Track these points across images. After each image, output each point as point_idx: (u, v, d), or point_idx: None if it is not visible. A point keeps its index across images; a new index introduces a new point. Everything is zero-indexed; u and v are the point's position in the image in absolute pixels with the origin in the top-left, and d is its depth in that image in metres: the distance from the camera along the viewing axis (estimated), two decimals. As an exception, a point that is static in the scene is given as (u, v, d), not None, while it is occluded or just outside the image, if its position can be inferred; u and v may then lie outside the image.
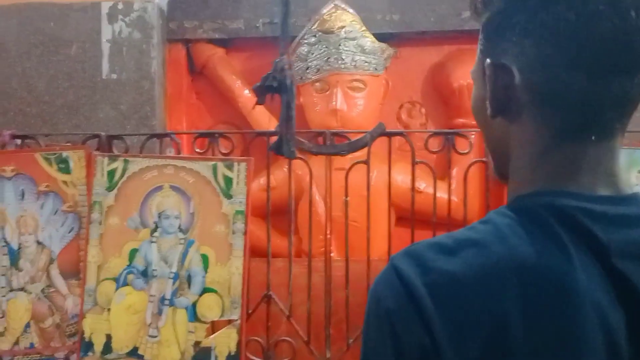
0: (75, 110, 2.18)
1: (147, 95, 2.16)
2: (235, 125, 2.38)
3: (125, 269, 1.48)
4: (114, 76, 2.17)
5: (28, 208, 1.52)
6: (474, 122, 2.04)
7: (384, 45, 2.16)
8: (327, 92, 2.12)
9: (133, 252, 1.48)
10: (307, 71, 2.14)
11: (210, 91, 2.39)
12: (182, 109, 2.34)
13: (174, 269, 1.46)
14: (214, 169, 1.45)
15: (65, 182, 1.51)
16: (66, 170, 1.51)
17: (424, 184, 2.16)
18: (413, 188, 1.68)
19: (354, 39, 2.08)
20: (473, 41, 2.05)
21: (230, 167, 1.45)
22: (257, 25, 2.26)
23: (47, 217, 1.52)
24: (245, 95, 2.29)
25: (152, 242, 1.48)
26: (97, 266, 1.49)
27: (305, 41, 2.12)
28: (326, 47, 2.08)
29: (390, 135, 1.53)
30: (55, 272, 1.52)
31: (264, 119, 2.28)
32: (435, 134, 1.59)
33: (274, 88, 1.08)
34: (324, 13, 2.08)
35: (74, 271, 1.51)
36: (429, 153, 1.59)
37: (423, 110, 2.33)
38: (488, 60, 0.59)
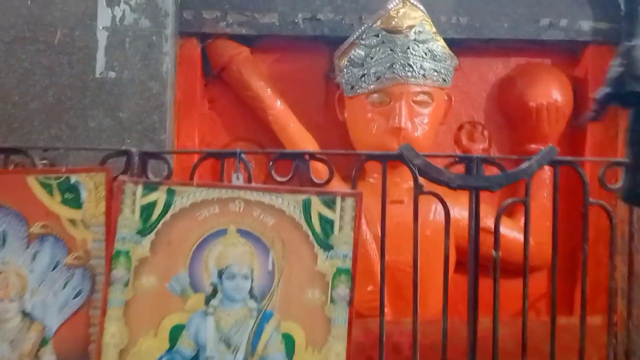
0: (55, 116, 1.62)
1: (156, 100, 1.64)
2: (258, 144, 1.89)
3: (165, 356, 0.96)
4: (112, 74, 1.64)
5: (11, 260, 0.97)
6: None
7: (451, 52, 1.76)
8: (388, 106, 1.68)
9: (177, 330, 0.97)
10: (363, 79, 1.69)
11: (227, 99, 1.89)
12: (194, 120, 1.83)
13: (241, 356, 0.95)
14: (306, 207, 0.98)
15: (72, 221, 0.98)
16: (75, 202, 0.98)
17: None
18: (553, 236, 1.24)
19: (424, 42, 1.67)
20: (546, 54, 1.68)
21: (330, 204, 0.98)
22: (296, 20, 1.80)
23: (42, 274, 0.97)
24: (278, 107, 1.81)
25: (208, 314, 0.98)
26: (118, 350, 0.96)
27: (363, 42, 1.68)
28: (391, 50, 1.65)
29: (558, 164, 1.10)
30: (49, 358, 0.97)
31: (302, 139, 1.80)
32: (616, 164, 1.18)
33: (635, 95, 0.62)
34: (390, 8, 1.65)
35: (80, 358, 0.97)
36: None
37: (486, 132, 1.94)
38: None
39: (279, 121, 1.80)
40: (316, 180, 1.03)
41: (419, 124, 1.70)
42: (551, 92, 1.82)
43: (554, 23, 1.83)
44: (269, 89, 1.81)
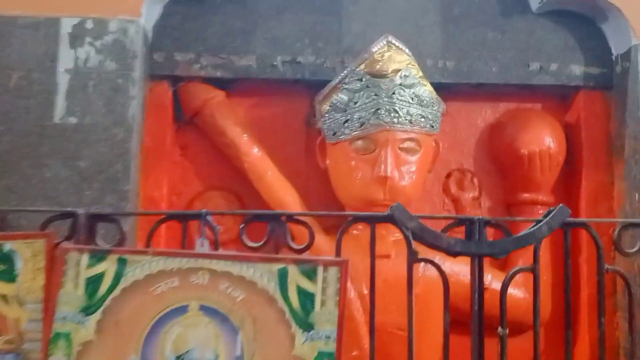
0: (9, 165, 1.46)
1: (121, 148, 1.50)
2: (234, 194, 1.75)
3: None
4: (73, 120, 1.50)
5: None
6: (543, 198, 1.56)
7: (438, 97, 1.66)
8: (373, 154, 1.57)
9: None
10: (346, 125, 1.58)
11: (200, 146, 1.76)
12: (163, 168, 1.69)
13: None
14: (282, 278, 0.83)
15: (4, 297, 0.82)
16: (8, 275, 0.82)
17: (489, 277, 1.63)
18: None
19: (410, 86, 1.57)
20: (536, 99, 1.59)
21: (310, 275, 0.84)
22: (275, 63, 1.70)
23: (-38, 364, 0.81)
24: (255, 154, 1.68)
25: (165, 409, 0.82)
26: None
27: (346, 86, 1.57)
28: (376, 94, 1.54)
29: (569, 226, 0.98)
30: None
31: (281, 188, 1.67)
32: (632, 225, 1.06)
33: None
34: (375, 51, 1.56)
35: None
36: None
37: (475, 180, 1.83)
38: None
39: (255, 169, 1.66)
40: (294, 246, 0.88)
41: (406, 173, 1.58)
42: (544, 139, 1.72)
43: (544, 67, 1.75)
44: (245, 135, 1.69)
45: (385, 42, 1.56)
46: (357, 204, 1.61)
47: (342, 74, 1.58)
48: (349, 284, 1.57)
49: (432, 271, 1.48)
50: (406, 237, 0.91)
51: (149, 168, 1.66)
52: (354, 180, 1.58)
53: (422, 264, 1.63)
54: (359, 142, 1.57)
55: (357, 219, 0.99)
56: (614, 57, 1.75)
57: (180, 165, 1.76)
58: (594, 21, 1.77)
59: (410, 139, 1.57)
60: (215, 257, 0.84)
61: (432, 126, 1.62)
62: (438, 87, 1.67)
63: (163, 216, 0.91)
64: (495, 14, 1.76)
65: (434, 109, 1.62)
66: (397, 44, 1.57)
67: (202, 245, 0.85)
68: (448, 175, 1.82)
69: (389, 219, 0.90)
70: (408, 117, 1.56)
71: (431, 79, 1.67)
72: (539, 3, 1.73)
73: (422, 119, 1.58)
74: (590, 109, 1.77)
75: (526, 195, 1.75)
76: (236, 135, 1.67)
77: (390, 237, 1.64)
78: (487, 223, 0.91)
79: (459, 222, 0.95)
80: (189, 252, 0.86)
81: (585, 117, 1.77)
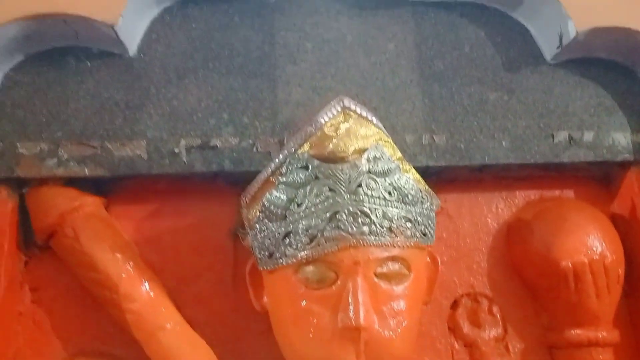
0: None
1: None
2: (115, 358, 1.10)
3: None
4: None
5: None
6: (604, 335, 0.98)
7: (429, 189, 1.10)
8: (333, 288, 0.95)
9: None
10: (287, 242, 0.98)
11: (64, 287, 1.14)
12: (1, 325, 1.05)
13: None
14: None
15: None
16: None
17: None
18: None
19: (385, 173, 0.99)
20: (566, 183, 1.02)
21: None
22: (176, 150, 1.13)
23: None
24: (144, 296, 1.05)
25: None
26: None
27: (284, 179, 1.00)
28: (331, 189, 0.96)
29: None
30: None
31: (183, 353, 1.03)
32: None
33: None
34: (324, 123, 1.00)
35: None
36: None
37: (496, 309, 1.23)
38: None
39: (143, 323, 1.03)
40: None
41: (391, 316, 0.96)
42: (593, 243, 1.15)
43: (575, 138, 1.23)
44: (129, 265, 1.07)
45: (339, 108, 1.01)
46: (314, 373, 0.98)
47: (277, 160, 1.01)
48: None
49: None
50: None
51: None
52: (304, 334, 0.96)
53: None
54: (310, 269, 0.97)
55: None
56: (670, 118, 1.25)
57: (30, 319, 1.12)
58: (634, 71, 1.28)
59: (393, 258, 0.98)
60: None
61: (425, 234, 1.03)
62: (425, 175, 1.11)
63: None
64: (496, 67, 1.26)
65: (425, 206, 1.04)
66: (358, 109, 1.02)
67: None
68: (454, 305, 1.22)
69: None
70: (386, 223, 0.97)
71: (414, 162, 1.13)
72: (557, 49, 1.24)
73: (409, 224, 1.00)
74: (649, 193, 1.23)
75: (577, 332, 1.15)
76: (111, 267, 1.05)
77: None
78: None
79: None
80: None
81: (644, 205, 1.23)
